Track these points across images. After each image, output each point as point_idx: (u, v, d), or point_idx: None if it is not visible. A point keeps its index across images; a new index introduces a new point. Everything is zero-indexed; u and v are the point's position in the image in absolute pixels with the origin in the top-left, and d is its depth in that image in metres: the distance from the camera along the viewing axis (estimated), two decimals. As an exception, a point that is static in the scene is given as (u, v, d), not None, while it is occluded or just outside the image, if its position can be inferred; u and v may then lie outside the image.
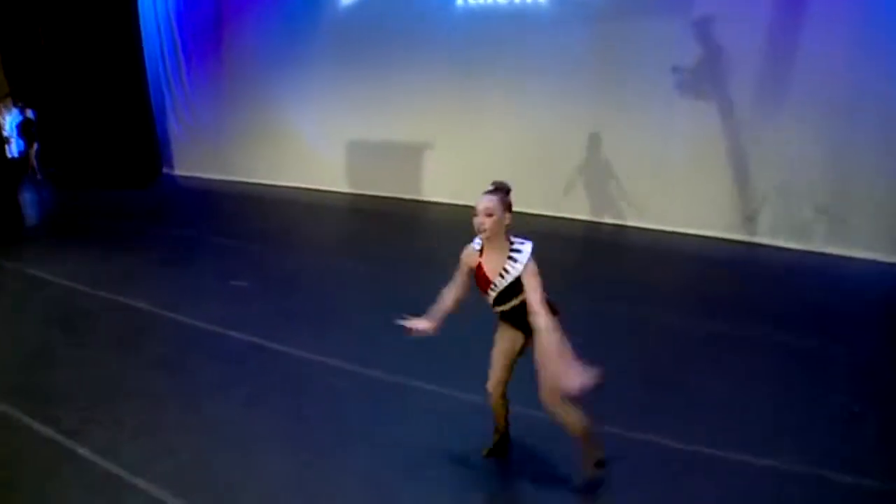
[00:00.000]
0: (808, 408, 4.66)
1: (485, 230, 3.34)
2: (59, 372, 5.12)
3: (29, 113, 13.51)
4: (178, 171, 14.43)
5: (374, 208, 11.41)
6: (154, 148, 13.80)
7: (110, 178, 12.75)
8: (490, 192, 3.39)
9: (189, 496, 3.59)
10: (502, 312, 3.54)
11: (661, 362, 5.37)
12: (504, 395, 3.76)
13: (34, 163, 13.64)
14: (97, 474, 3.79)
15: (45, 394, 4.77)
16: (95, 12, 12.21)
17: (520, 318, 3.44)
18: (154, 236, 9.51)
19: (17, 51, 13.14)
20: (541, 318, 3.21)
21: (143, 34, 13.21)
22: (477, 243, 3.48)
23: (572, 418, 3.46)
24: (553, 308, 3.34)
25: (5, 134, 13.17)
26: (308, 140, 12.49)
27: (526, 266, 3.33)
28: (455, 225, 10.65)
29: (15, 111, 13.78)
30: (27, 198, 12.09)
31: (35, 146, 13.58)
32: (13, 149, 13.58)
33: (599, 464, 3.66)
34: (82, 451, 4.01)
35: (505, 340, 3.62)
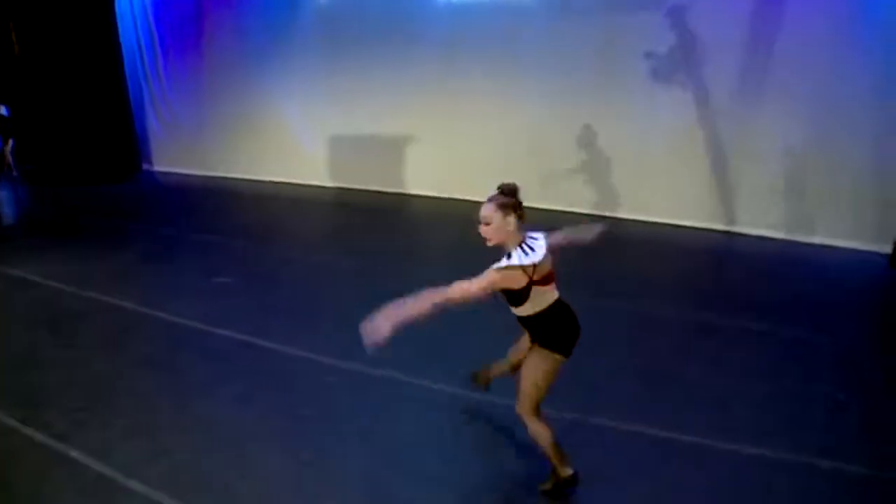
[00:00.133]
0: (794, 397, 4.75)
1: (488, 239, 3.28)
2: (47, 374, 5.07)
3: (2, 109, 13.27)
4: (158, 167, 14.27)
5: (357, 202, 11.37)
6: (133, 143, 13.63)
7: (88, 174, 12.59)
8: (489, 198, 3.31)
9: (186, 498, 3.58)
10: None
11: (648, 354, 5.43)
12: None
13: (10, 160, 13.40)
14: (90, 477, 3.77)
15: (34, 396, 4.72)
16: (70, 5, 12.01)
17: (528, 328, 3.48)
18: (135, 234, 9.42)
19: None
20: (438, 291, 3.13)
21: (119, 27, 13.01)
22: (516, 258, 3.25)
23: (536, 429, 3.51)
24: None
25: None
26: (290, 134, 12.40)
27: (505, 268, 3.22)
28: (438, 218, 10.76)
29: (-12, 107, 13.55)
30: (3, 196, 11.92)
31: (10, 143, 13.35)
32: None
33: (570, 480, 3.61)
34: (74, 453, 3.98)
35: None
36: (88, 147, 12.69)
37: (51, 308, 6.42)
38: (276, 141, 12.59)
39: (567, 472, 3.60)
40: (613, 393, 4.74)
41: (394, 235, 9.41)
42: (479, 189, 9.12)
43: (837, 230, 8.32)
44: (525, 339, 3.72)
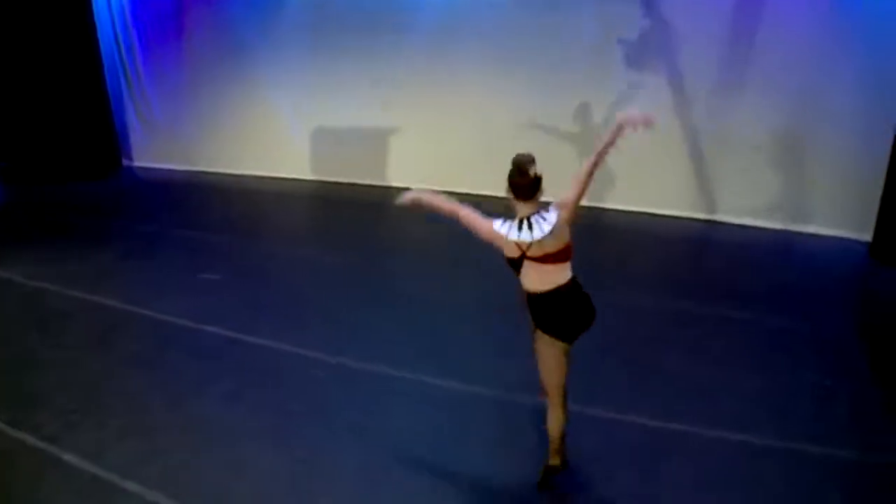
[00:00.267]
0: (780, 384, 4.82)
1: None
2: (36, 375, 5.04)
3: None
4: (138, 163, 14.05)
5: (341, 195, 11.31)
6: (112, 139, 13.38)
7: (67, 171, 12.39)
8: None
9: (183, 498, 3.59)
10: None
11: (633, 343, 5.46)
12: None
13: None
14: (86, 479, 3.77)
15: (24, 398, 4.69)
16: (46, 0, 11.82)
17: (529, 309, 3.48)
18: (117, 231, 9.30)
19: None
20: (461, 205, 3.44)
21: (97, 22, 12.80)
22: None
23: (550, 416, 3.55)
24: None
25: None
26: (274, 128, 12.31)
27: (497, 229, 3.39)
28: (424, 211, 10.66)
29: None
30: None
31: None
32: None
33: (551, 469, 3.66)
34: (68, 456, 3.97)
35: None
36: (66, 143, 12.44)
37: (36, 308, 6.36)
38: (258, 135, 12.46)
39: (554, 461, 3.65)
40: (597, 382, 4.70)
41: (379, 229, 9.40)
42: (465, 182, 9.27)
43: (818, 219, 8.40)
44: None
